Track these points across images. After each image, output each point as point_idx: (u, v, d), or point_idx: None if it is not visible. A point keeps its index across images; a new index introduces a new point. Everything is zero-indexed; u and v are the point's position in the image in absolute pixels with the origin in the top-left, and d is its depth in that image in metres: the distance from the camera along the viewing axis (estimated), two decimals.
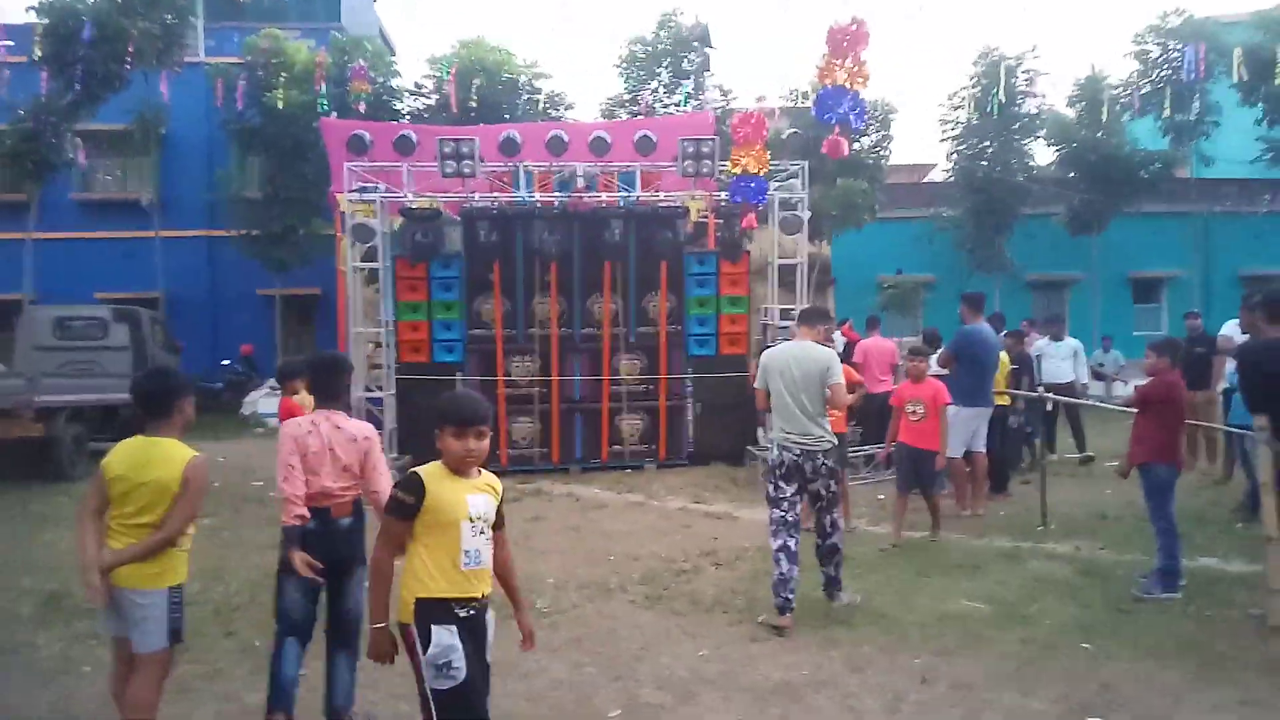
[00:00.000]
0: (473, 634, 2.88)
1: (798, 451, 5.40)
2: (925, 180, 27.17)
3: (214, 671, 4.68)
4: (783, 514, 5.40)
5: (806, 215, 11.44)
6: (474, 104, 18.07)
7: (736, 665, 4.72)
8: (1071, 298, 23.59)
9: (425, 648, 2.80)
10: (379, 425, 9.76)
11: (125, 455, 3.47)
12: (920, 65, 56.26)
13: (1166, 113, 19.40)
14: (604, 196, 11.19)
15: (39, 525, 8.32)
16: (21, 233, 17.44)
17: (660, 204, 11.21)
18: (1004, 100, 19.58)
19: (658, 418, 11.08)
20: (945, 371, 8.22)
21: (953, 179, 22.27)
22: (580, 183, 11.10)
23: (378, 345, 11.99)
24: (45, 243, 18.76)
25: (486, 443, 2.95)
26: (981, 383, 8.19)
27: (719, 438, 11.09)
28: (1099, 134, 20.31)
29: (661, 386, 11.04)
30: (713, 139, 10.95)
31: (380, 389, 11.39)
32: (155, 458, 3.44)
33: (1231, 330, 9.24)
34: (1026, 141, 21.42)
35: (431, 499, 2.84)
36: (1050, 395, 8.66)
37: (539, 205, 10.99)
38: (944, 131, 21.74)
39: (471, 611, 2.88)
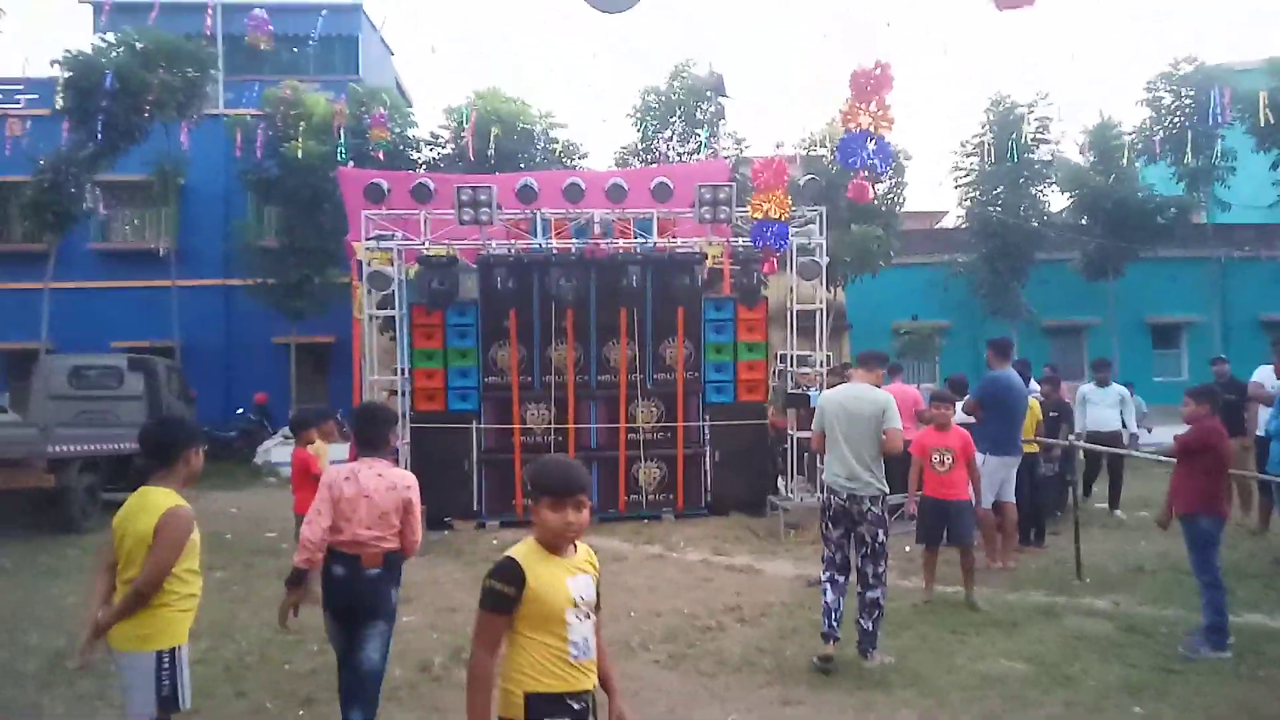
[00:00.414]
0: None
1: (844, 495, 5.43)
2: (939, 226, 27.18)
3: None
4: (831, 554, 5.57)
5: (825, 261, 11.36)
6: (491, 153, 18.22)
7: None
8: (1089, 343, 23.36)
9: None
10: None
11: (125, 507, 3.36)
12: (931, 111, 56.81)
13: (1186, 159, 19.39)
14: (621, 243, 11.14)
15: (48, 578, 8.18)
16: (39, 282, 17.57)
17: (677, 249, 11.15)
18: (1017, 146, 19.63)
19: (675, 466, 10.89)
20: (971, 419, 8.03)
21: (966, 225, 22.25)
22: (597, 229, 11.04)
23: (393, 393, 11.89)
24: (62, 292, 18.88)
25: (587, 514, 2.63)
26: (1010, 430, 7.97)
27: (737, 487, 10.88)
28: (1111, 180, 20.29)
29: (679, 434, 10.88)
30: (729, 185, 10.92)
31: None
32: (141, 508, 3.29)
33: (1264, 376, 9.04)
34: (1039, 188, 21.44)
35: (532, 588, 2.52)
36: (1082, 444, 8.44)
37: (555, 252, 10.93)
38: (955, 180, 21.82)
39: (583, 705, 2.61)
